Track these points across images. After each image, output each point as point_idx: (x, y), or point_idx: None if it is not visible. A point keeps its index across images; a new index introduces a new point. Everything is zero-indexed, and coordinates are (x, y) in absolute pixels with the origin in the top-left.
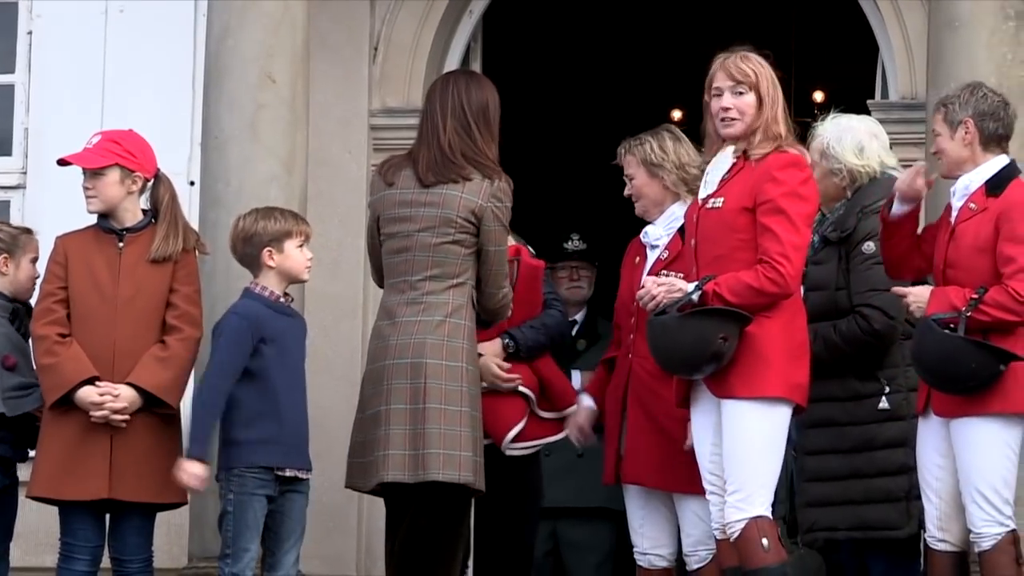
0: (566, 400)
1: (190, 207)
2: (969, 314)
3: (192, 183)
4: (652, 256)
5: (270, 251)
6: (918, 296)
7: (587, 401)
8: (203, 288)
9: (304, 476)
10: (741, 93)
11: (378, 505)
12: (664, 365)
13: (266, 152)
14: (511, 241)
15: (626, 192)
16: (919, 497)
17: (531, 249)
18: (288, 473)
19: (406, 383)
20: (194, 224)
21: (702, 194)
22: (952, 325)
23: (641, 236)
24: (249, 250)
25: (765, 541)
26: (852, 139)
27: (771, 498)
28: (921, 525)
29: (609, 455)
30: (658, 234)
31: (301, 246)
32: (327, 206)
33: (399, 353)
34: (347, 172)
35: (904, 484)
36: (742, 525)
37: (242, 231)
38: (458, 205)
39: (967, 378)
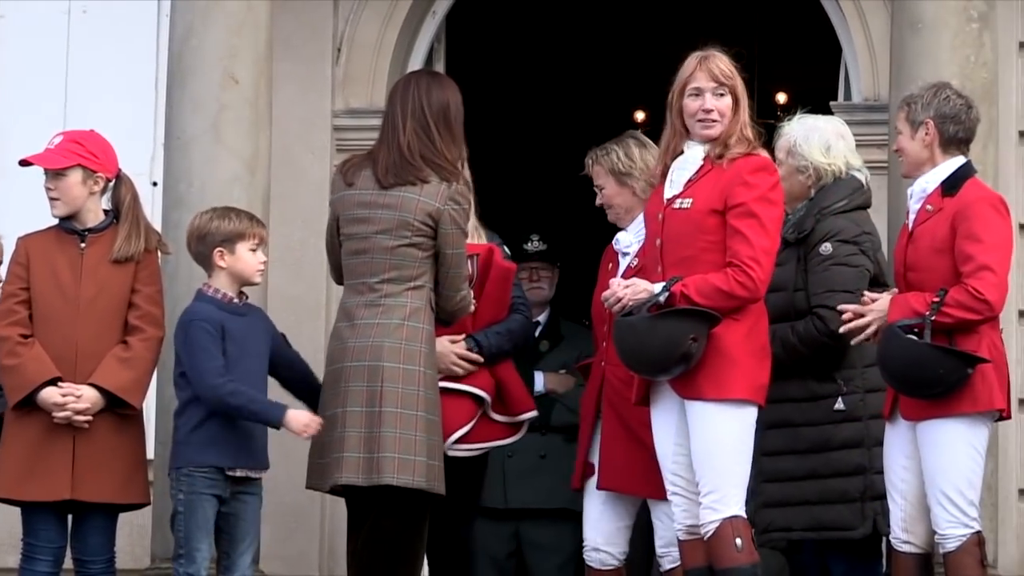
0: (522, 406)
1: (153, 208)
2: (933, 318)
3: (155, 184)
4: (624, 263)
5: (221, 251)
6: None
7: None
8: (165, 288)
9: (255, 476)
10: (722, 95)
11: (340, 505)
12: (632, 366)
13: (229, 153)
14: (485, 240)
15: (598, 202)
16: (875, 498)
17: (506, 250)
18: (239, 473)
19: (363, 386)
20: (156, 225)
21: (668, 193)
22: (916, 330)
23: (613, 243)
24: (201, 249)
25: (739, 541)
26: (819, 138)
27: (744, 498)
28: (877, 526)
29: (583, 461)
30: (629, 241)
31: (254, 249)
32: (290, 207)
33: (357, 355)
34: (310, 173)
35: (859, 485)
36: (716, 524)
37: (196, 229)
38: (415, 208)
39: (935, 383)
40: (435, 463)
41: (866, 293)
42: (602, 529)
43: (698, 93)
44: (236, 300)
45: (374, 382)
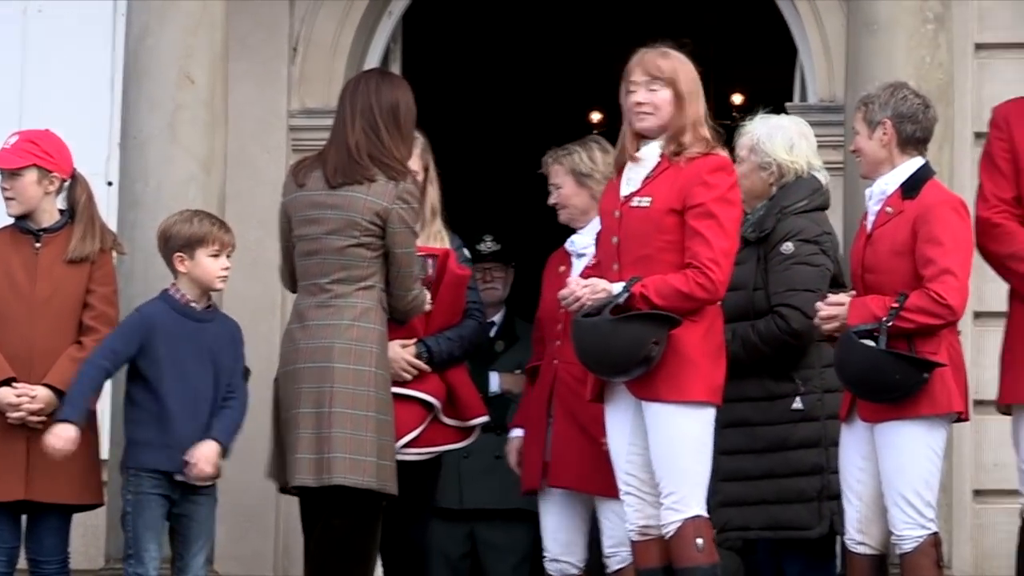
0: (472, 411)
1: (108, 208)
2: (890, 324)
3: (110, 183)
4: (579, 264)
5: (181, 256)
6: (833, 311)
7: (515, 432)
8: (121, 289)
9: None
10: (655, 89)
11: (295, 505)
12: (591, 367)
13: (185, 152)
14: (448, 243)
15: (551, 200)
16: (832, 497)
17: (466, 252)
18: (180, 478)
19: (314, 387)
20: (112, 225)
21: (624, 190)
22: (875, 334)
23: (567, 245)
24: (164, 252)
25: (699, 541)
26: (783, 136)
27: (705, 497)
28: (833, 526)
29: (532, 462)
30: (585, 243)
31: (216, 255)
32: (246, 206)
33: (308, 357)
34: (266, 172)
35: (817, 484)
36: (678, 525)
37: (160, 232)
38: (363, 207)
39: (892, 389)
40: (387, 463)
41: (831, 296)
42: (560, 539)
43: (634, 89)
44: (195, 304)
45: (324, 383)
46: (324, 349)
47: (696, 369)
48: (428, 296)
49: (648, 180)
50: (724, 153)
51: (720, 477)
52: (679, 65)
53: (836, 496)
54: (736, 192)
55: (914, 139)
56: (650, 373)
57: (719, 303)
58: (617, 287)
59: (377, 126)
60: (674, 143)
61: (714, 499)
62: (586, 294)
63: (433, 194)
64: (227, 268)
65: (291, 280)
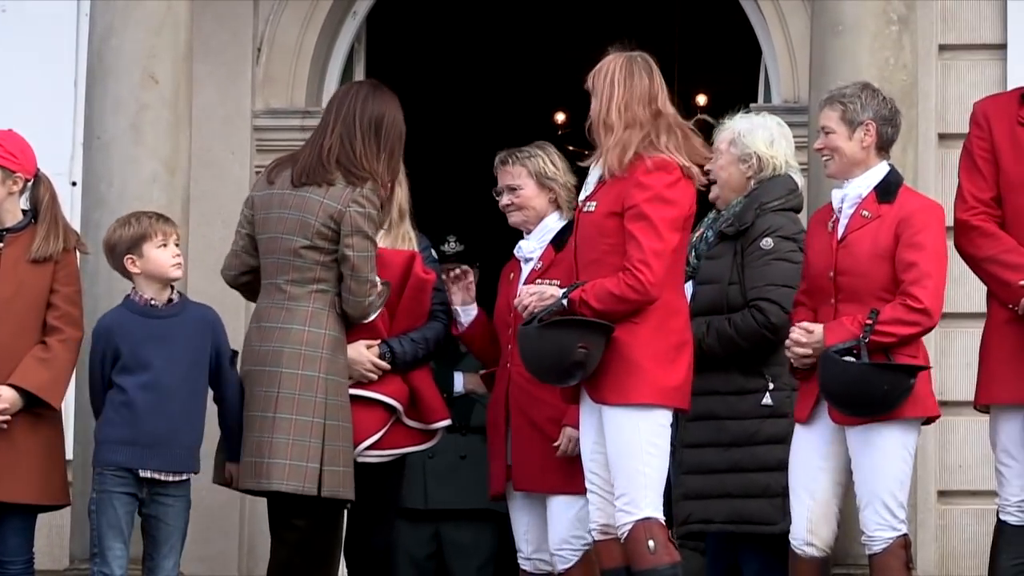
0: (435, 415)
1: (72, 208)
2: (867, 339)
3: (74, 183)
4: (526, 269)
5: (131, 258)
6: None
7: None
8: (85, 289)
9: (168, 479)
10: (593, 100)
11: (260, 505)
12: (532, 374)
13: (149, 153)
14: (416, 244)
15: (505, 202)
16: None
17: (433, 254)
18: (148, 475)
19: (262, 391)
20: (76, 225)
21: (582, 196)
22: (855, 351)
23: (515, 251)
24: (114, 262)
25: (651, 543)
26: (764, 131)
27: (659, 499)
28: None
29: (497, 467)
30: (532, 247)
31: (164, 245)
32: (210, 207)
33: (261, 360)
34: (230, 173)
35: (782, 480)
36: (629, 527)
37: (104, 245)
38: (317, 209)
39: (883, 401)
40: (338, 469)
41: (802, 325)
42: (531, 539)
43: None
44: (156, 301)
45: (271, 388)
46: (275, 353)
47: (640, 372)
48: (380, 304)
49: (600, 185)
50: (667, 153)
51: (683, 470)
52: (602, 68)
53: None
54: (676, 190)
55: (890, 142)
56: (600, 376)
57: (687, 301)
58: (560, 292)
59: (354, 135)
60: (595, 142)
61: (676, 491)
62: (533, 301)
63: (402, 195)
64: (178, 255)
65: (234, 273)
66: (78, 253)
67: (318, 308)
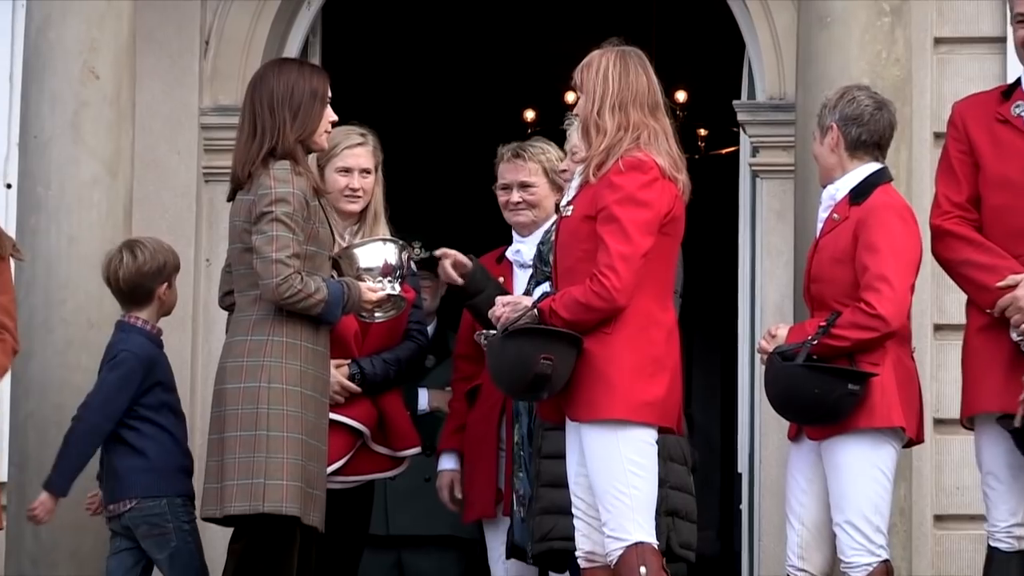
0: (405, 442)
1: (7, 212)
2: (815, 342)
3: (9, 186)
4: (523, 275)
5: (165, 287)
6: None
7: (449, 463)
8: (20, 299)
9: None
10: (579, 96)
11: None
12: (498, 388)
13: (89, 153)
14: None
15: (516, 199)
16: (668, 513)
17: (414, 265)
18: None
19: (213, 411)
20: (11, 231)
21: (564, 200)
22: (796, 353)
23: (510, 253)
24: (149, 284)
25: (643, 569)
26: None
27: (649, 522)
28: (670, 542)
29: (482, 490)
30: (530, 251)
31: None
32: (155, 210)
33: (215, 380)
34: (176, 174)
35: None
36: (620, 552)
37: (145, 263)
38: (240, 209)
39: (815, 406)
40: (293, 484)
41: (769, 329)
42: (511, 568)
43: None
44: (160, 335)
45: (219, 407)
46: (220, 370)
47: (611, 385)
48: (313, 287)
49: (580, 187)
50: (642, 153)
51: (542, 482)
52: (591, 64)
53: (674, 512)
54: (651, 191)
55: (862, 143)
56: (572, 391)
57: (673, 313)
58: (530, 302)
59: (259, 118)
60: (583, 142)
61: (535, 506)
62: (506, 312)
63: (379, 195)
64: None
65: (220, 294)
66: (12, 261)
67: (261, 315)
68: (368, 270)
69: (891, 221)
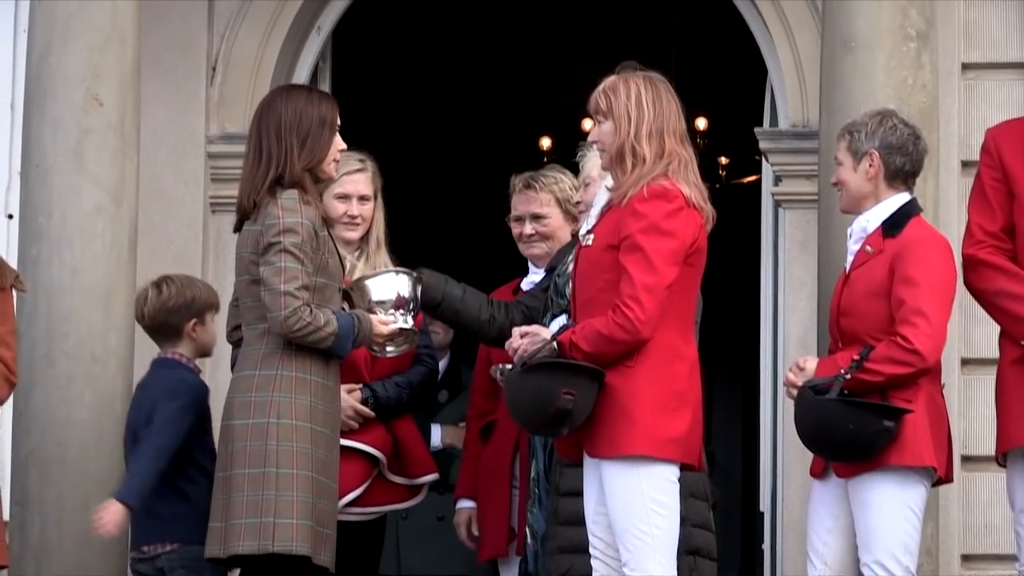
0: (421, 468)
1: (8, 242)
2: (848, 375)
3: (11, 216)
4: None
5: (195, 323)
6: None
7: (466, 503)
8: (21, 331)
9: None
10: (601, 122)
11: None
12: (517, 424)
13: (92, 182)
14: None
15: (529, 231)
16: (690, 552)
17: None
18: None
19: (221, 449)
20: (12, 261)
21: (583, 229)
22: (830, 388)
23: (525, 285)
24: (175, 320)
25: None
26: None
27: (671, 563)
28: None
29: (496, 528)
30: (545, 284)
31: (214, 320)
32: (160, 241)
33: (223, 415)
34: (182, 204)
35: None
36: None
37: (171, 298)
38: (248, 240)
39: (849, 442)
40: (304, 522)
41: (796, 361)
42: None
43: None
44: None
45: (227, 444)
46: (228, 405)
47: (633, 421)
48: (323, 320)
49: (601, 215)
50: (667, 181)
51: (559, 520)
52: (619, 88)
53: (696, 551)
54: (676, 220)
55: (903, 172)
56: (593, 427)
57: (695, 347)
58: (550, 334)
59: (260, 150)
60: (614, 171)
61: (552, 543)
62: (523, 344)
63: (380, 222)
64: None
65: (228, 329)
66: (14, 292)
67: (270, 349)
68: (380, 303)
69: (929, 255)
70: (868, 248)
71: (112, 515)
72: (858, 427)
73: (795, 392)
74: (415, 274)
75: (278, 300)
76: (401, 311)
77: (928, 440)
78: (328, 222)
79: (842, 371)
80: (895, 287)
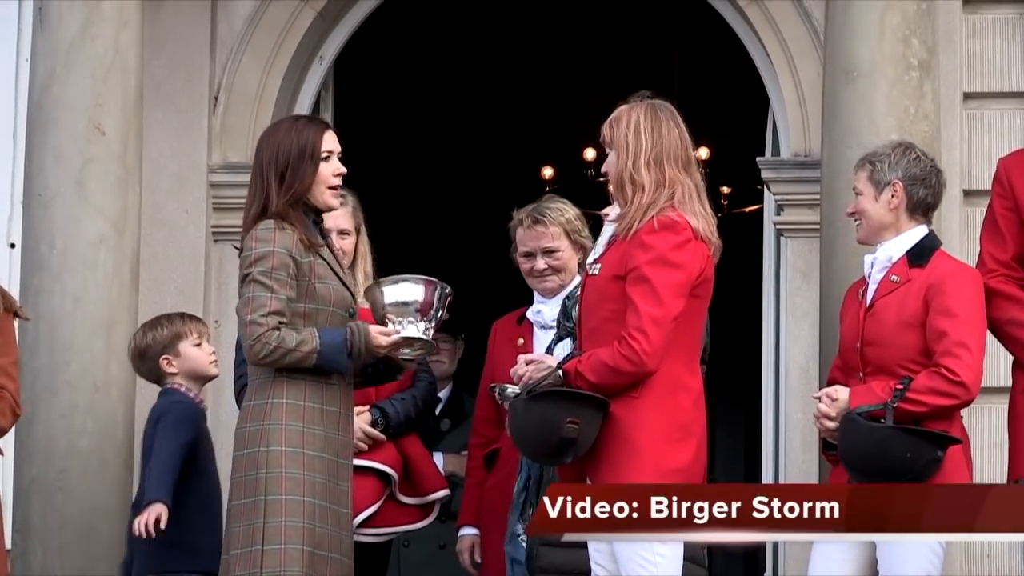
0: (431, 484)
1: (11, 272)
2: (896, 404)
3: (12, 245)
4: (544, 337)
5: (167, 359)
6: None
7: (469, 530)
8: (24, 362)
9: None
10: (608, 152)
11: None
12: (521, 451)
13: (95, 211)
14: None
15: (542, 266)
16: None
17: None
18: None
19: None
20: (14, 291)
21: (590, 258)
22: (881, 417)
23: (531, 314)
24: (149, 366)
25: None
26: None
27: None
28: None
29: (502, 556)
30: (553, 313)
31: (198, 344)
32: (162, 270)
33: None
34: (184, 233)
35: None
36: None
37: (135, 351)
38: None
39: (903, 471)
40: (293, 547)
41: (826, 391)
42: None
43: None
44: (203, 403)
45: (231, 476)
46: (234, 436)
47: (638, 451)
48: (293, 342)
49: (608, 245)
50: (675, 213)
51: (542, 542)
52: (621, 118)
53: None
54: (684, 252)
55: (924, 204)
56: (598, 456)
57: (701, 379)
58: (556, 362)
59: (255, 182)
60: (617, 199)
61: (534, 563)
62: (529, 371)
63: (366, 256)
64: (214, 352)
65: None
66: (16, 320)
67: (263, 378)
68: (393, 308)
69: (967, 287)
70: (893, 277)
71: (150, 515)
72: (915, 455)
73: (829, 423)
74: (445, 287)
75: (245, 330)
76: (411, 319)
77: (965, 471)
78: (315, 247)
79: (889, 400)
80: (933, 319)
